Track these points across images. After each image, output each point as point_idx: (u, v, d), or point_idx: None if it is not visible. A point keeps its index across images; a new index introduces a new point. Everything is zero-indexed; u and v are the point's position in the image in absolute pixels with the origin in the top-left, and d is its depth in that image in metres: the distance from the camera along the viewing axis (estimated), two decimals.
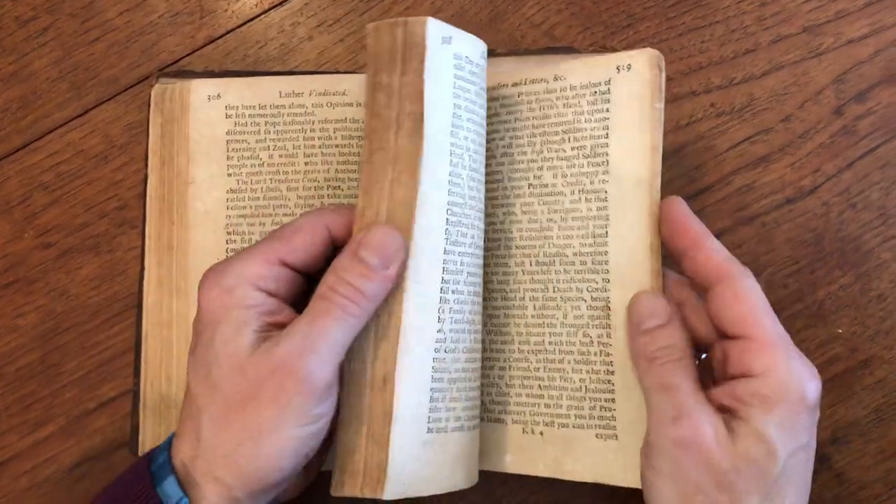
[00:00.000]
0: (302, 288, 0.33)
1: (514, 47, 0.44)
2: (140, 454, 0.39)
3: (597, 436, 0.35)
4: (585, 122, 0.35)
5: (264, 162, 0.40)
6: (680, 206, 0.33)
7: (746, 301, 0.31)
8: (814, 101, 0.43)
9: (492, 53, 0.38)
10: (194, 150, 0.40)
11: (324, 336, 0.30)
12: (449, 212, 0.33)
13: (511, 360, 0.37)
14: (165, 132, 0.41)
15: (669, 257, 0.34)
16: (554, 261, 0.36)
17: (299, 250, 0.32)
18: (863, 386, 0.41)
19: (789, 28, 0.43)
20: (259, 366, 0.30)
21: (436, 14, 0.44)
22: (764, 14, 0.43)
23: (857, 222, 0.42)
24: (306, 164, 0.40)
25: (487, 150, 0.36)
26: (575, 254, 0.35)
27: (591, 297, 0.35)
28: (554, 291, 0.36)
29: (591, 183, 0.35)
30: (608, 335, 0.34)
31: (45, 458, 0.42)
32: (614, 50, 0.43)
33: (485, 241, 0.36)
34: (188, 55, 0.45)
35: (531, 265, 0.36)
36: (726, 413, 0.30)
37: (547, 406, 0.36)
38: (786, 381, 0.30)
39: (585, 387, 0.35)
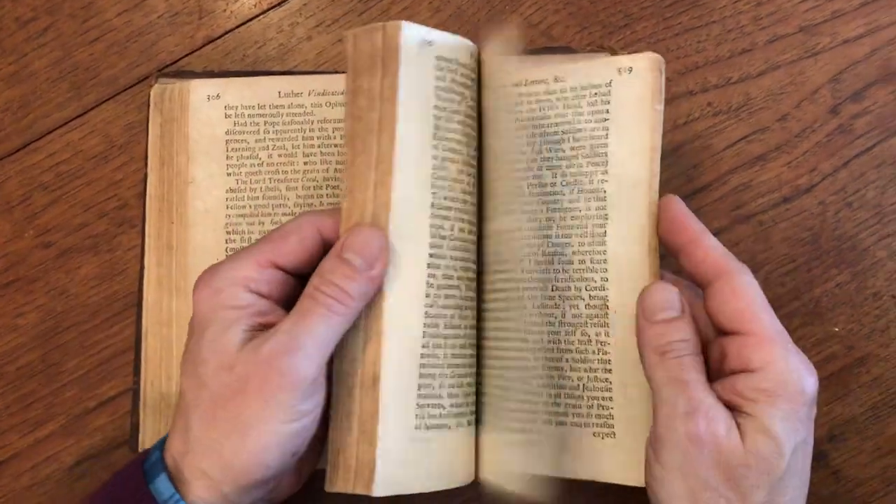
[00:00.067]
0: (294, 290, 0.33)
1: None
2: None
3: (594, 434, 0.35)
4: (585, 122, 0.35)
5: (263, 161, 0.40)
6: (677, 204, 0.33)
7: (744, 297, 0.31)
8: (810, 101, 0.43)
9: None
10: (194, 150, 0.41)
11: (309, 333, 0.30)
12: (433, 214, 0.33)
13: (508, 358, 0.37)
14: (165, 132, 0.41)
15: (667, 256, 0.34)
16: (552, 260, 0.36)
17: (291, 253, 0.32)
18: (859, 383, 0.41)
19: (786, 28, 0.43)
20: (246, 362, 0.30)
21: (434, 14, 0.44)
22: (760, 14, 0.44)
23: (853, 221, 0.42)
24: (305, 163, 0.40)
25: (486, 149, 0.36)
26: (573, 253, 0.35)
27: (590, 295, 0.35)
28: (552, 290, 0.36)
29: (591, 183, 0.35)
30: (606, 334, 0.35)
31: (46, 457, 0.42)
32: (612, 50, 0.43)
33: (481, 240, 0.36)
34: (187, 55, 0.45)
35: (530, 264, 0.36)
36: (728, 409, 0.30)
37: (545, 404, 0.36)
38: (784, 375, 0.30)
39: (583, 385, 0.35)
